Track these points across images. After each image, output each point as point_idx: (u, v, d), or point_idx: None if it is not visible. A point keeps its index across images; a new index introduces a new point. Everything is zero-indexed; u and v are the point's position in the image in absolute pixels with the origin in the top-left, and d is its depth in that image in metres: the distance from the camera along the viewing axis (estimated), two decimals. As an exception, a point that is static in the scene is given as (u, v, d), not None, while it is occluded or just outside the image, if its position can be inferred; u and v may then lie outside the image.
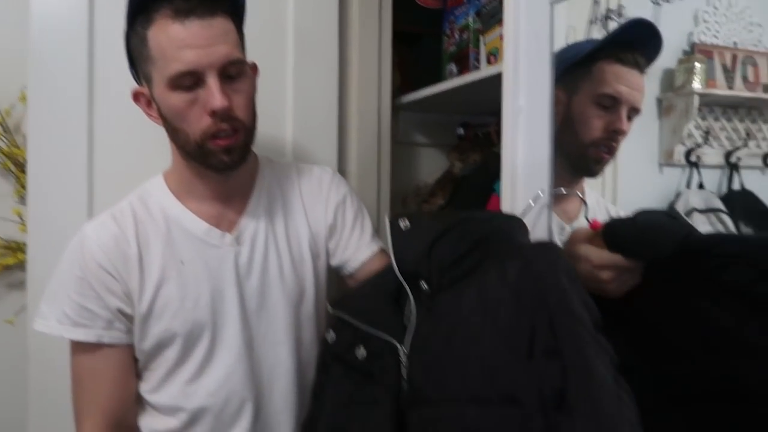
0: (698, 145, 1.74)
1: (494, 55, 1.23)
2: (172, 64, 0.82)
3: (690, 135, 1.73)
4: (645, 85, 1.19)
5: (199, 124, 0.85)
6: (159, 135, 0.92)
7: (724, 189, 1.77)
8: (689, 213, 1.59)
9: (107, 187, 1.06)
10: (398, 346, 0.75)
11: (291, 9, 1.26)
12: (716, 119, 1.84)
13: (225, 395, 0.90)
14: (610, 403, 0.59)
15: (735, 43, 1.80)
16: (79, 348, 0.89)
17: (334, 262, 1.02)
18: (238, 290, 0.91)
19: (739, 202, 1.73)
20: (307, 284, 0.98)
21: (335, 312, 0.84)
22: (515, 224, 0.78)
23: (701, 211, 1.64)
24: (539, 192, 0.86)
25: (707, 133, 1.74)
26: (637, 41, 1.14)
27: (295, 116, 1.26)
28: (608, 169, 1.55)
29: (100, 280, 0.87)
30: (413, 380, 0.74)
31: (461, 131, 1.57)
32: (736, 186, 1.77)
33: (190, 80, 0.82)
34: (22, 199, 1.40)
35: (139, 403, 0.94)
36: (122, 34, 0.89)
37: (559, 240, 1.12)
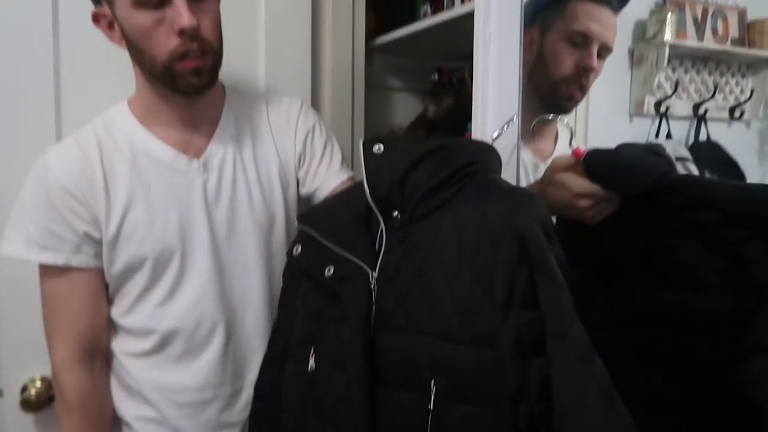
0: (668, 96, 1.77)
1: (468, -5, 1.22)
2: None
3: (660, 86, 1.75)
4: (617, 25, 1.20)
5: (166, 44, 0.83)
6: (128, 60, 0.90)
7: (692, 140, 1.82)
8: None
9: (75, 114, 1.04)
10: (369, 271, 0.75)
11: (263, -56, 1.23)
12: (686, 71, 1.87)
13: (196, 317, 0.90)
14: (587, 367, 0.61)
15: (706, -5, 1.82)
16: (48, 272, 0.88)
17: (304, 191, 1.02)
18: (207, 216, 0.91)
19: (705, 152, 1.77)
20: (277, 213, 0.97)
21: (304, 227, 0.83)
22: (491, 156, 0.78)
23: (669, 160, 1.66)
24: (512, 118, 0.87)
25: (677, 85, 1.77)
26: (609, -20, 1.15)
27: (267, 61, 1.23)
28: (579, 119, 1.57)
29: (66, 204, 0.85)
30: (383, 307, 0.74)
31: (436, 77, 1.57)
32: (702, 137, 1.82)
33: None
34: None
35: (111, 326, 0.93)
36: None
37: (532, 177, 1.14)
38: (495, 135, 0.84)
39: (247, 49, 1.21)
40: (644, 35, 1.74)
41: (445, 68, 1.54)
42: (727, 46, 1.80)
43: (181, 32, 0.82)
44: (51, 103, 1.04)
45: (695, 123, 1.81)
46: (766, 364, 0.66)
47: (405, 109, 1.63)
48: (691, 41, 1.77)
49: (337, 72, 1.37)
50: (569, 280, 0.64)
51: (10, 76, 1.02)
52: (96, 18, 0.89)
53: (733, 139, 1.84)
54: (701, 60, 1.86)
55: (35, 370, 1.04)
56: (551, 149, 1.19)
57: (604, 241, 0.85)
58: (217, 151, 0.94)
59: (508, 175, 0.87)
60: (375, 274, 0.75)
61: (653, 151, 0.78)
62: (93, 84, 1.06)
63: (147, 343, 0.90)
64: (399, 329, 0.72)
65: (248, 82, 1.23)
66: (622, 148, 0.78)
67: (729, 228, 0.72)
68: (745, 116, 1.92)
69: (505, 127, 0.85)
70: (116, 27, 0.87)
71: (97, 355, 0.92)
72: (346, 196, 0.86)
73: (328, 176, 1.01)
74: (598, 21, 1.11)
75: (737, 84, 1.94)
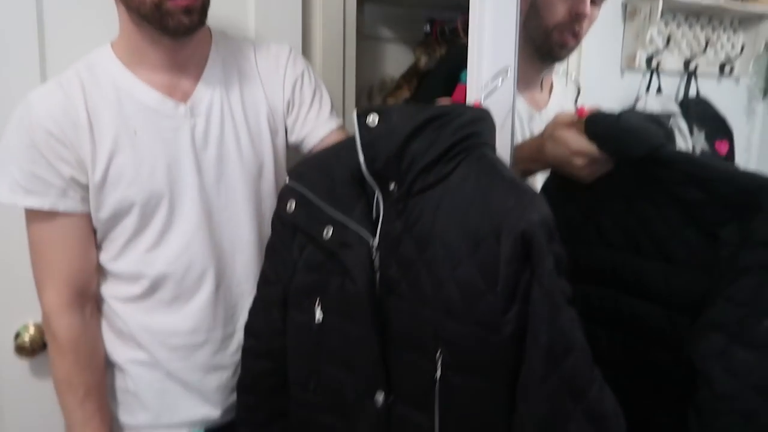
0: (659, 51, 1.76)
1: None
2: None
3: (652, 41, 1.74)
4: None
5: None
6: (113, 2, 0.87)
7: (682, 95, 1.82)
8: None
9: (60, 57, 1.00)
10: (369, 239, 0.75)
11: None
12: (678, 25, 1.86)
13: (185, 262, 0.90)
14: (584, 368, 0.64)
15: (701, -55, 1.78)
16: (34, 217, 0.87)
17: (293, 139, 1.01)
18: (194, 162, 0.89)
19: (694, 108, 1.78)
20: (266, 159, 0.96)
21: (297, 186, 0.83)
22: (486, 125, 0.76)
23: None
24: (508, 67, 0.85)
25: (668, 39, 1.76)
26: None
27: (257, 11, 1.20)
28: (571, 73, 1.56)
29: (50, 147, 0.83)
30: (387, 273, 0.75)
31: (428, 27, 1.54)
32: (692, 93, 1.82)
33: None
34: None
35: (100, 272, 0.92)
36: None
37: (527, 128, 1.13)
38: (491, 87, 0.83)
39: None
40: (638, -12, 1.71)
41: (437, 19, 1.51)
42: (720, 1, 1.78)
43: None
44: (35, 47, 1.01)
45: (685, 78, 1.81)
46: (719, 342, 0.69)
47: (396, 60, 1.61)
48: (684, -5, 1.75)
49: (328, 22, 1.34)
50: (569, 275, 0.66)
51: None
52: None
53: (722, 95, 1.85)
54: (694, 14, 1.84)
55: (28, 316, 1.04)
56: (546, 100, 1.19)
57: (586, 199, 0.88)
58: (204, 95, 0.92)
59: (504, 128, 0.86)
60: (375, 242, 0.75)
61: (656, 121, 0.79)
62: (78, 26, 1.02)
63: (137, 288, 0.90)
64: (404, 297, 0.74)
65: (237, 32, 1.19)
66: (626, 114, 0.79)
67: (711, 207, 0.74)
68: (735, 72, 1.93)
69: (501, 80, 0.84)
70: None
71: (88, 300, 0.92)
72: (338, 153, 0.84)
73: (318, 124, 1.00)
74: None
75: (728, 39, 1.94)
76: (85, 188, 0.86)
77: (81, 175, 0.85)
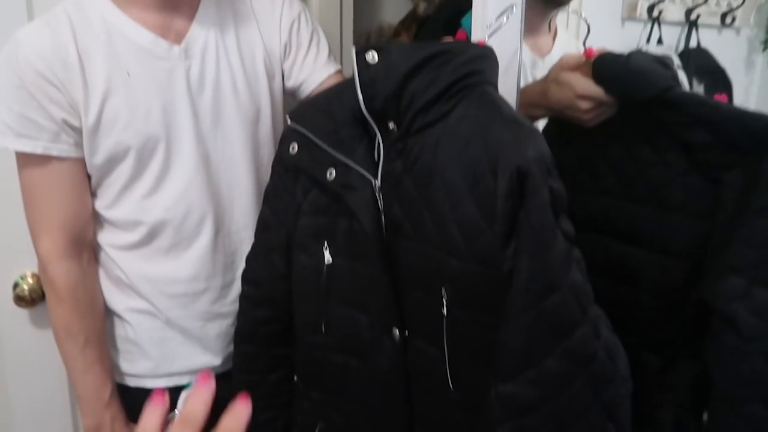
0: (661, 0, 1.72)
1: None
2: None
3: (654, -11, 1.70)
4: None
5: None
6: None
7: (682, 46, 1.79)
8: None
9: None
10: (372, 179, 0.74)
11: None
12: (681, -27, 1.81)
13: (183, 209, 0.88)
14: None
15: None
16: (27, 161, 0.84)
17: (290, 83, 0.98)
18: (190, 105, 0.87)
19: (694, 59, 1.75)
20: (263, 104, 0.94)
21: (298, 127, 0.81)
22: (489, 62, 0.74)
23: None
24: (513, 5, 0.82)
25: (671, -13, 1.72)
26: None
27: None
28: (571, 22, 1.52)
29: (41, 89, 0.80)
30: (392, 213, 0.74)
31: (426, -27, 1.49)
32: (693, 44, 1.79)
33: None
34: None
35: (96, 219, 0.91)
36: None
37: (530, 74, 1.11)
38: (495, 25, 0.80)
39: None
40: (642, -67, 1.66)
41: (435, -36, 1.46)
42: (725, -52, 1.74)
43: None
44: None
45: (686, 29, 1.77)
46: (740, 284, 0.69)
47: (394, 6, 1.56)
48: (689, -60, 1.70)
49: (325, -34, 1.29)
50: (568, 208, 0.66)
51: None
52: None
53: (723, 47, 1.82)
54: (697, -39, 1.80)
55: (26, 266, 1.03)
56: (550, 46, 1.16)
57: (584, 145, 0.87)
58: (199, 36, 0.88)
59: (510, 70, 0.84)
60: (378, 183, 0.74)
61: (662, 62, 0.77)
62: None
63: (134, 236, 0.89)
64: (409, 236, 0.73)
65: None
66: (634, 54, 0.77)
67: (716, 150, 0.73)
68: (736, 23, 1.89)
69: (506, 17, 0.81)
70: None
71: (84, 248, 0.90)
72: (341, 93, 0.81)
73: (316, 68, 0.97)
74: None
75: (731, -12, 1.89)
76: (78, 132, 0.83)
77: (73, 118, 0.83)
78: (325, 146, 0.77)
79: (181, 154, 0.87)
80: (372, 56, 0.71)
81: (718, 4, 1.88)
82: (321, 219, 0.80)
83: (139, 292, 0.92)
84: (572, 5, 1.27)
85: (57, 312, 0.89)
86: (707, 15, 1.84)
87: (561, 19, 1.37)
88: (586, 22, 0.97)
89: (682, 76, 1.70)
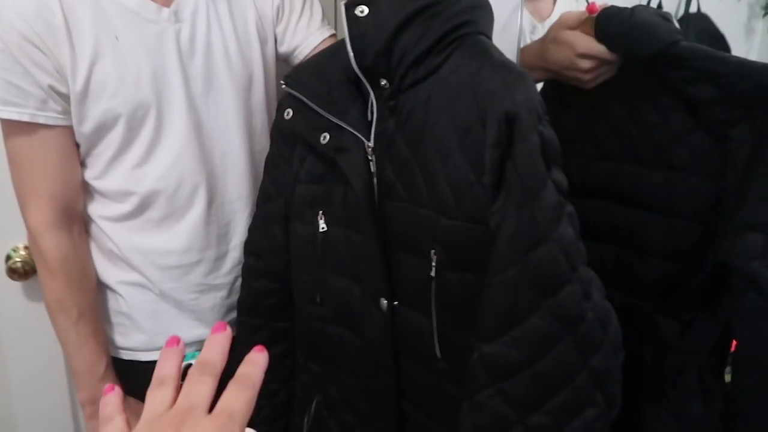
0: (662, -38, 1.68)
1: None
2: None
3: (654, -49, 1.66)
4: None
5: None
6: None
7: (682, 11, 1.76)
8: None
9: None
10: (364, 140, 0.72)
11: None
12: (682, -65, 1.76)
13: (176, 178, 0.86)
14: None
15: None
16: (13, 129, 0.81)
17: (283, 49, 0.95)
18: (181, 71, 0.84)
19: (694, 25, 1.72)
20: (255, 69, 0.91)
21: (292, 91, 0.78)
22: (483, 12, 0.72)
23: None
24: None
25: (672, -50, 1.68)
26: None
27: None
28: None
29: (26, 53, 0.77)
30: (384, 176, 0.72)
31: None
32: (693, 8, 1.76)
33: None
34: None
35: (85, 190, 0.89)
36: None
37: (529, 39, 1.08)
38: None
39: None
40: None
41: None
42: None
43: None
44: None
45: (687, -7, 1.74)
46: (758, 242, 0.67)
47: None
48: None
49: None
50: (560, 156, 0.63)
51: None
52: None
53: (723, 12, 1.79)
54: (699, -77, 1.75)
55: (17, 239, 1.01)
56: (550, 9, 1.13)
57: (583, 110, 0.84)
58: (189, -2, 0.85)
59: (509, 28, 0.81)
60: (371, 144, 0.72)
61: (664, 17, 0.75)
62: None
63: (126, 207, 0.87)
64: (400, 199, 0.71)
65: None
66: (638, 8, 0.74)
67: (723, 105, 0.70)
68: (738, -13, 1.86)
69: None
70: None
71: (75, 219, 0.88)
72: (333, 55, 0.79)
73: (309, 33, 0.94)
74: None
75: (733, -49, 1.85)
76: (65, 99, 0.81)
77: (61, 84, 0.80)
78: (318, 109, 0.75)
79: (173, 121, 0.85)
80: (361, 10, 0.69)
81: (719, -33, 1.84)
82: (317, 187, 0.78)
83: (132, 264, 0.90)
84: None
85: (49, 285, 0.87)
86: (708, -21, 1.80)
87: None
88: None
89: (682, 42, 1.67)
